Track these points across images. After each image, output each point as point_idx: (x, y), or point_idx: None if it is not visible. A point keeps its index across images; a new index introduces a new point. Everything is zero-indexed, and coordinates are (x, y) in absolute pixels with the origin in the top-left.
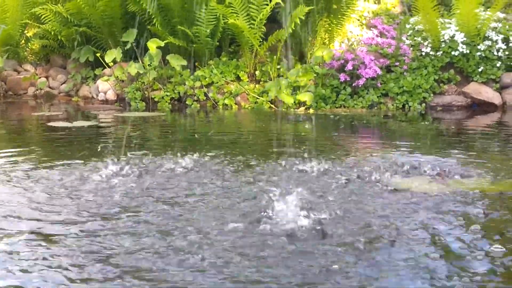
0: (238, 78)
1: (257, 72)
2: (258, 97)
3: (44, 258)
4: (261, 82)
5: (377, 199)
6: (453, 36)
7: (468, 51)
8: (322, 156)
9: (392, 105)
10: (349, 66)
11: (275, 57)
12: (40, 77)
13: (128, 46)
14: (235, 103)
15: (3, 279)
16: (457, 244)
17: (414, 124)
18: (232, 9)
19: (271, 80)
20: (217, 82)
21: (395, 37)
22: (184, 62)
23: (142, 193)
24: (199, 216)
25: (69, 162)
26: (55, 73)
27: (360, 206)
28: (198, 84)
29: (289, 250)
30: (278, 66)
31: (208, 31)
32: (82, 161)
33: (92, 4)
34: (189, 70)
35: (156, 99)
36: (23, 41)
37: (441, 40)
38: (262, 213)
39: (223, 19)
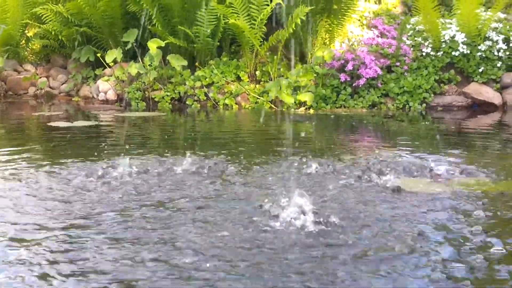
0: (239, 78)
1: (257, 72)
2: (258, 97)
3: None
4: (261, 82)
5: (377, 200)
6: (453, 37)
7: (468, 51)
8: (323, 156)
9: (393, 105)
10: (350, 66)
11: (275, 57)
12: (40, 77)
13: (129, 46)
14: (236, 103)
15: None
16: (458, 245)
17: (415, 124)
18: (232, 9)
19: (271, 80)
20: (218, 82)
21: (395, 37)
22: (185, 62)
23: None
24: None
25: (67, 162)
26: (56, 73)
27: (360, 208)
28: (198, 84)
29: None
30: (279, 67)
31: (208, 31)
32: (80, 161)
33: (93, 4)
34: (189, 70)
35: (156, 99)
36: (23, 41)
37: (442, 41)
38: (266, 217)
39: (224, 19)
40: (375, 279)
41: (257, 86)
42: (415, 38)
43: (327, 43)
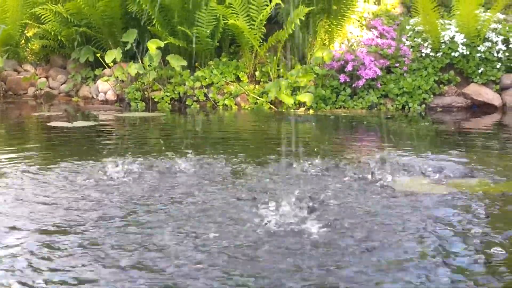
0: (238, 79)
1: (257, 73)
2: (258, 97)
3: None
4: (261, 83)
5: (376, 200)
6: (453, 37)
7: (468, 52)
8: (322, 157)
9: (392, 106)
10: (349, 67)
11: (275, 57)
12: (40, 77)
13: (128, 46)
14: (235, 104)
15: None
16: (458, 246)
17: (414, 125)
18: (232, 10)
19: (271, 80)
20: (217, 83)
21: (395, 38)
22: (184, 63)
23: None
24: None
25: (65, 162)
26: (55, 73)
27: (359, 208)
28: (198, 84)
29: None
30: (278, 67)
31: (208, 31)
32: (79, 162)
33: (92, 4)
34: (189, 70)
35: (156, 100)
36: (23, 41)
37: (441, 41)
38: (265, 217)
39: (223, 20)
40: (377, 280)
41: (257, 86)
42: (415, 39)
43: (327, 43)
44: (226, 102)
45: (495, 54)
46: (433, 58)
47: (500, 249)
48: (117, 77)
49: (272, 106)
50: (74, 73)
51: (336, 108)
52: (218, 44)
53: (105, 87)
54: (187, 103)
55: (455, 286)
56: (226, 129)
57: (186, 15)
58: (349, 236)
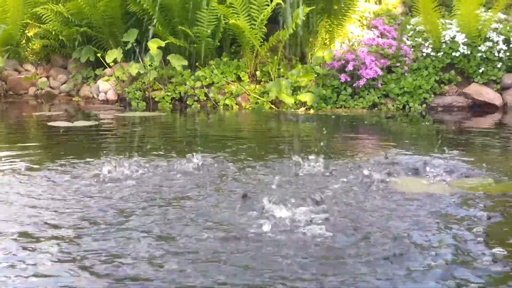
0: (239, 79)
1: (257, 73)
2: (258, 97)
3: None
4: (261, 83)
5: (377, 200)
6: (454, 37)
7: (469, 52)
8: (323, 157)
9: (393, 105)
10: (350, 67)
11: (275, 57)
12: (40, 77)
13: (129, 46)
14: (236, 104)
15: None
16: (460, 246)
17: (415, 125)
18: (233, 10)
19: (271, 80)
20: (218, 83)
21: (396, 38)
22: (185, 62)
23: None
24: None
25: (64, 162)
26: (56, 73)
27: (359, 208)
28: (198, 84)
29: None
30: (279, 67)
31: (209, 31)
32: (78, 161)
33: (93, 4)
34: (189, 70)
35: (156, 99)
36: (24, 41)
37: (442, 41)
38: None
39: (224, 20)
40: (379, 282)
41: (258, 86)
42: (415, 39)
43: (328, 43)
44: (227, 101)
45: (496, 54)
46: (434, 58)
47: (502, 249)
48: (118, 76)
49: (272, 106)
50: (74, 72)
51: (337, 108)
52: (219, 43)
53: (105, 87)
54: (187, 102)
55: (458, 287)
56: (227, 128)
57: (186, 15)
58: (347, 239)
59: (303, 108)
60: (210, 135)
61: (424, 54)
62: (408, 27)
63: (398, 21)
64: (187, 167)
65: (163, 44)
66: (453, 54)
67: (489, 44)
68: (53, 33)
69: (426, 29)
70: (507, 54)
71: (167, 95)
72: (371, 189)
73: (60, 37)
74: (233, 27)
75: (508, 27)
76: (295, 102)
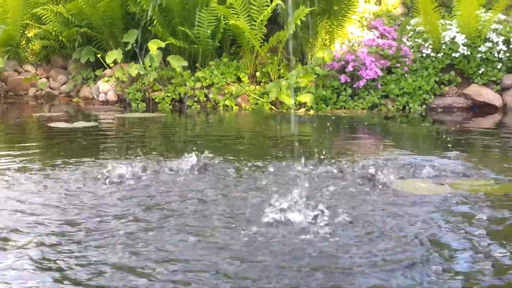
0: (239, 79)
1: (257, 73)
2: (258, 98)
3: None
4: (261, 83)
5: (377, 201)
6: (453, 38)
7: (469, 53)
8: (323, 157)
9: (393, 106)
10: (350, 67)
11: (275, 58)
12: (40, 78)
13: (129, 47)
14: (236, 104)
15: None
16: (462, 249)
17: (415, 126)
18: (233, 10)
19: (271, 81)
20: (218, 83)
21: (395, 39)
22: (185, 63)
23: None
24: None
25: (64, 162)
26: (56, 73)
27: (359, 210)
28: (198, 85)
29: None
30: (279, 68)
31: (208, 32)
32: (77, 162)
33: (93, 5)
34: (189, 71)
35: (156, 100)
36: (23, 42)
37: (442, 42)
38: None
39: (224, 20)
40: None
41: (257, 87)
42: (415, 39)
43: (327, 44)
44: (227, 102)
45: (496, 55)
46: (433, 59)
47: (504, 251)
48: (118, 77)
49: (272, 107)
50: (74, 73)
51: (337, 109)
52: (218, 44)
53: (105, 88)
54: (187, 103)
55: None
56: (227, 129)
57: (186, 16)
58: (348, 241)
59: (303, 109)
60: (210, 136)
61: (424, 55)
62: (408, 27)
63: (398, 21)
64: (187, 167)
65: (163, 45)
66: (453, 55)
67: (489, 45)
68: (53, 33)
69: (426, 30)
70: (507, 55)
71: (167, 96)
72: (371, 190)
73: (60, 38)
74: (233, 28)
75: (508, 28)
76: (295, 103)
